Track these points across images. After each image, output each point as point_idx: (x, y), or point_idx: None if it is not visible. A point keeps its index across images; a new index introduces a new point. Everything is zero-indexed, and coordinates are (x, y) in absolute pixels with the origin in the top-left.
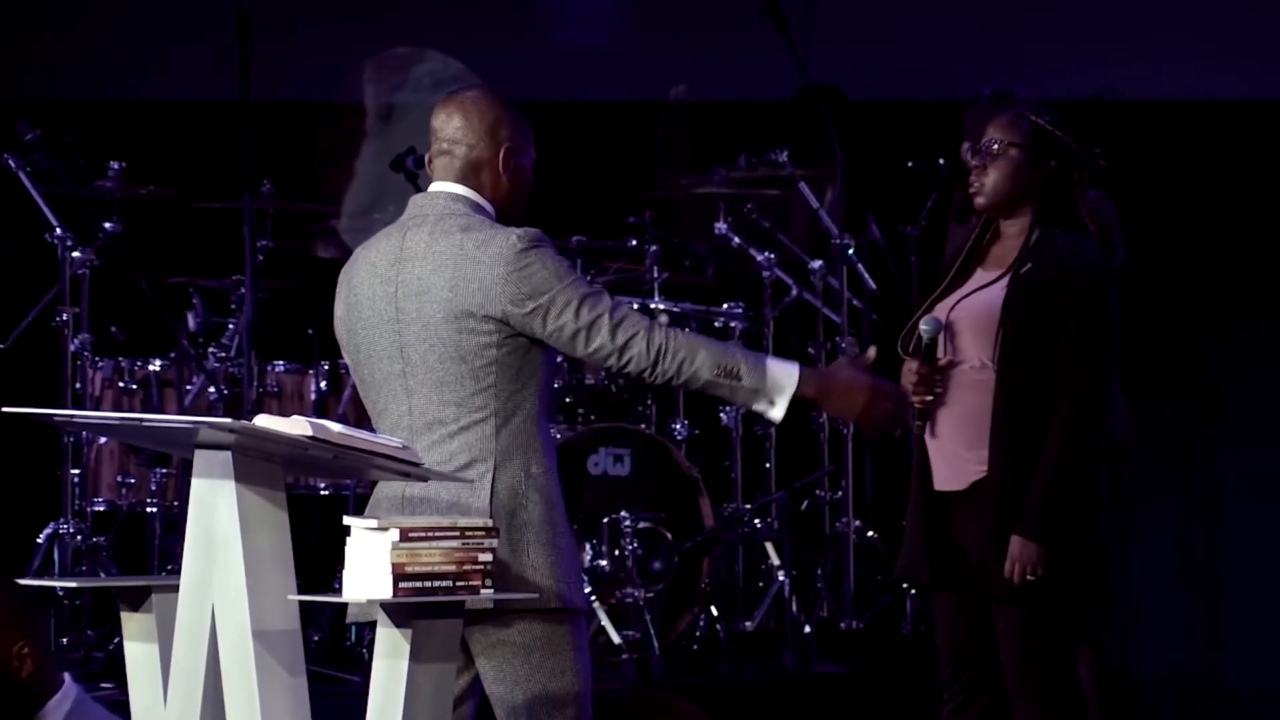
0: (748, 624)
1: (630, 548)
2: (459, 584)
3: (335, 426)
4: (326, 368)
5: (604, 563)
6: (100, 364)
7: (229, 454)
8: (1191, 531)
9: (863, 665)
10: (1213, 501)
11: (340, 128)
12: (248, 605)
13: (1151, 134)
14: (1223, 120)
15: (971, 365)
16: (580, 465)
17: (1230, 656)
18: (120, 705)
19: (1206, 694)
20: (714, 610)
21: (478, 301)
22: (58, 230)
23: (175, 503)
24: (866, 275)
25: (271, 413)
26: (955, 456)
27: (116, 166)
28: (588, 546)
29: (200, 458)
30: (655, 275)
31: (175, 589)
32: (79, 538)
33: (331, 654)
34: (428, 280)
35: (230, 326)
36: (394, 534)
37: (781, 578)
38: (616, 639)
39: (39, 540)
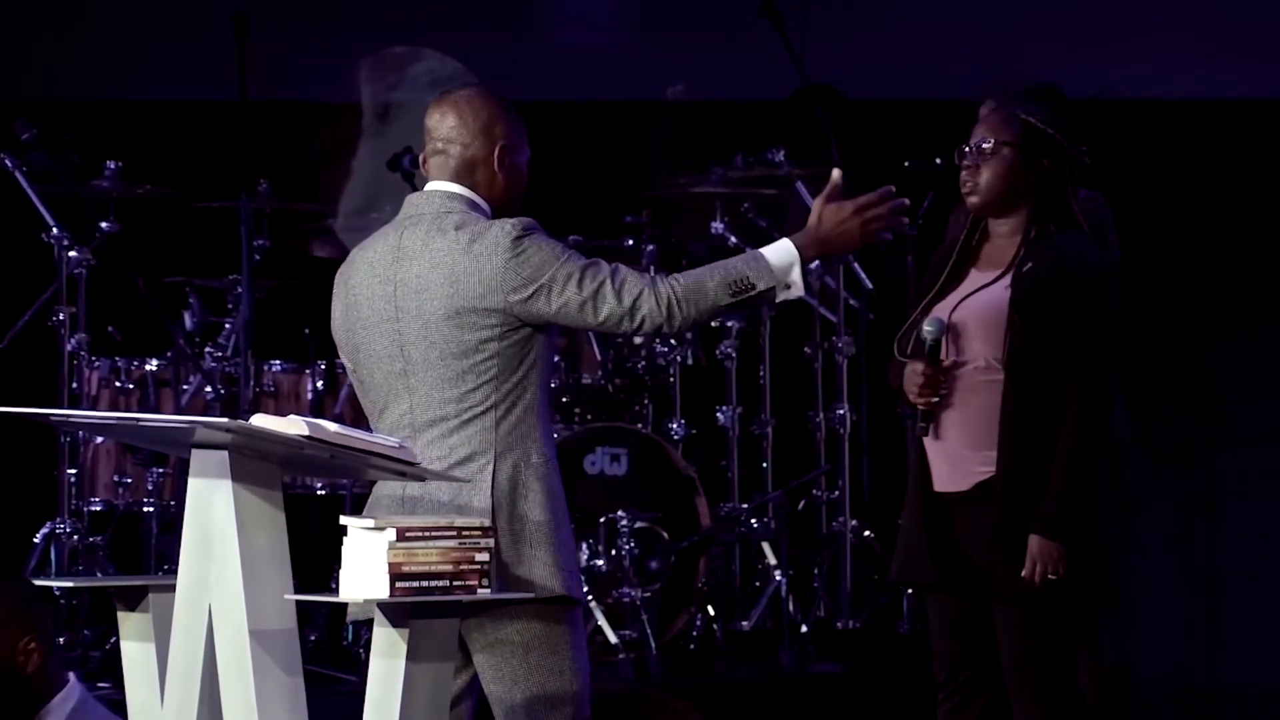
0: (744, 623)
1: (627, 547)
2: (456, 584)
3: (332, 426)
4: (323, 367)
5: (601, 562)
6: (97, 363)
7: (226, 453)
8: (1191, 531)
9: (859, 665)
10: (1212, 501)
11: (337, 127)
12: (245, 605)
13: (1152, 134)
14: (1223, 120)
15: (977, 365)
16: (577, 465)
17: (1230, 656)
18: (117, 705)
19: (1206, 694)
20: (711, 610)
21: (478, 294)
22: (54, 230)
23: (172, 502)
24: (863, 274)
25: (268, 412)
26: (958, 457)
27: (113, 166)
28: (584, 546)
29: (197, 457)
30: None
31: (172, 588)
32: (75, 537)
33: (329, 653)
34: (426, 278)
35: (227, 326)
36: (391, 534)
37: (778, 577)
38: (613, 638)
39: (35, 540)
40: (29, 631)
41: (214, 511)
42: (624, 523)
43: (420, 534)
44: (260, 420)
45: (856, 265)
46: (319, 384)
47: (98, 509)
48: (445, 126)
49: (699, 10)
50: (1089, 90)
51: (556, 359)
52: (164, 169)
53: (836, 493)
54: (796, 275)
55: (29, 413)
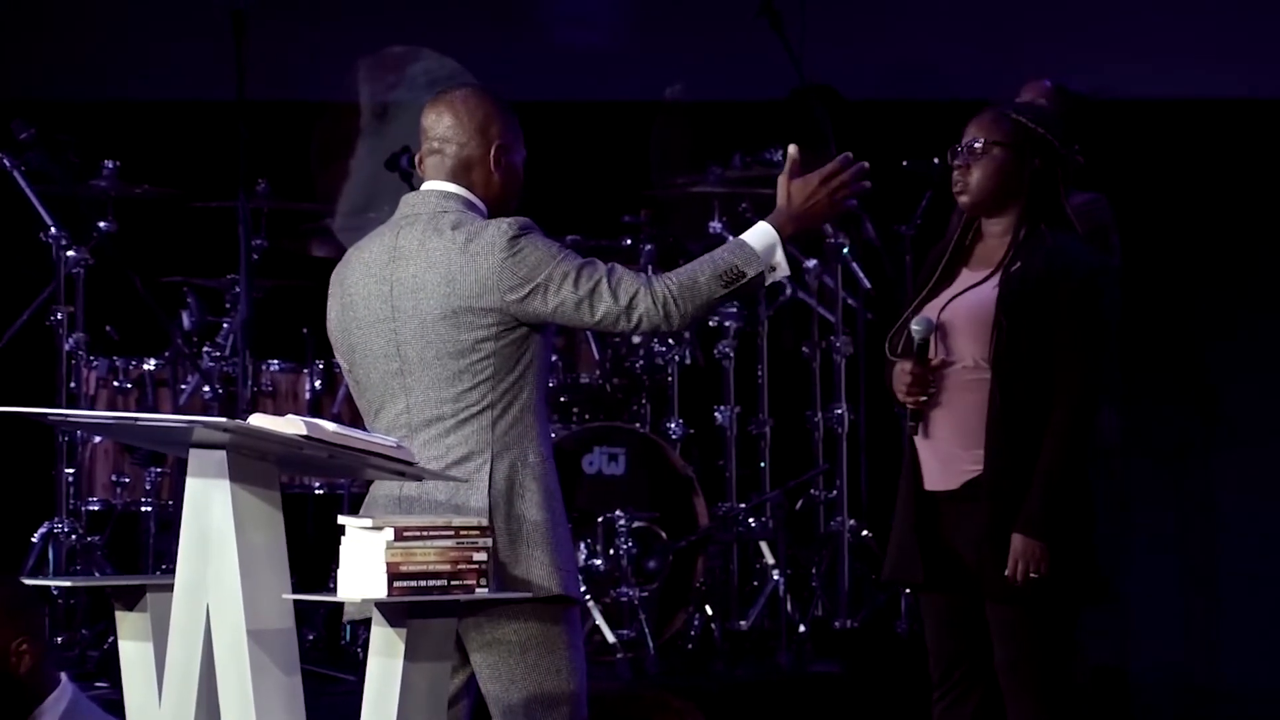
0: (742, 623)
1: (625, 547)
2: (453, 583)
3: (330, 426)
4: (321, 367)
5: (599, 562)
6: (95, 363)
7: (224, 453)
8: (1190, 531)
9: (857, 664)
10: (1212, 501)
11: (336, 127)
12: (242, 604)
13: (1151, 133)
14: (1223, 119)
15: (965, 365)
16: (575, 464)
17: (1229, 656)
18: (115, 704)
19: (1205, 694)
20: (709, 609)
21: (475, 294)
22: (52, 229)
23: (170, 502)
24: (861, 274)
25: (266, 412)
26: (948, 456)
27: (111, 165)
28: (582, 546)
29: (195, 457)
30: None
31: (170, 588)
32: (73, 537)
33: (326, 653)
34: (423, 278)
35: (225, 325)
36: (389, 533)
37: (776, 577)
38: (611, 638)
39: (33, 539)
40: (22, 633)
41: (212, 511)
42: (622, 522)
43: (418, 534)
44: (258, 420)
45: (855, 265)
46: (317, 384)
47: (95, 508)
48: (441, 126)
49: (697, 10)
50: (1088, 90)
51: (554, 358)
52: (162, 168)
53: (834, 492)
54: (780, 256)
55: (27, 412)
